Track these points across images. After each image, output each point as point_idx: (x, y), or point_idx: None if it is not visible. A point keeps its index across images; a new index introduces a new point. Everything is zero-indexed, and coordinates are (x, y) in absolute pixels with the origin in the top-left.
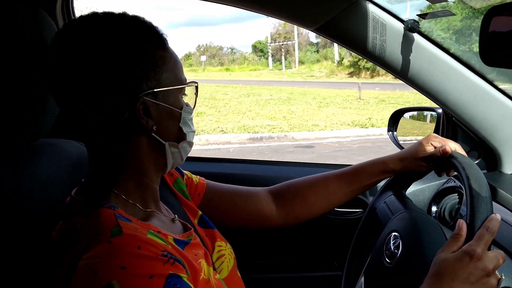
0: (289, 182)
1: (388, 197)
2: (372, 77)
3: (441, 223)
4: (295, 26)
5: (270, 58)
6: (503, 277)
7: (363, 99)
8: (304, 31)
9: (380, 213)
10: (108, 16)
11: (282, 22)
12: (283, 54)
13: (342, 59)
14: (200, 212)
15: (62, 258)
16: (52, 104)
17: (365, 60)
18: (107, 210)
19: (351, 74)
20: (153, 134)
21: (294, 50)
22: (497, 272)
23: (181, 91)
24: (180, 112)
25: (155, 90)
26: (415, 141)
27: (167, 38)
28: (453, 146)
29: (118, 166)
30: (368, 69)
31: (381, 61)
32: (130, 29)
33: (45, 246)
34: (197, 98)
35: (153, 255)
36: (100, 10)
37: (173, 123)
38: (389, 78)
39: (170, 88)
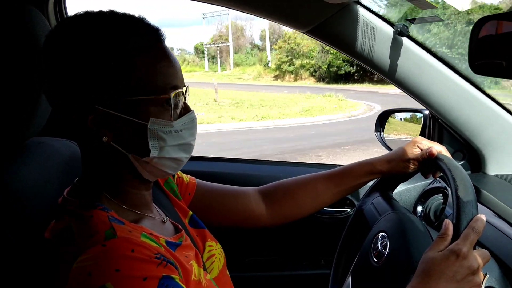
0: (279, 182)
1: (375, 198)
2: (295, 80)
3: (427, 223)
4: (230, 31)
5: (206, 60)
6: (488, 276)
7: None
8: (247, 33)
9: (367, 213)
10: (98, 17)
11: (226, 25)
12: (218, 56)
13: (268, 62)
14: (190, 212)
15: (57, 259)
16: (44, 103)
17: (288, 63)
18: (100, 212)
19: (276, 77)
20: (112, 143)
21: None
22: (482, 271)
23: (157, 101)
24: (144, 124)
25: (108, 99)
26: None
27: (159, 42)
28: (438, 149)
29: (105, 169)
30: (291, 72)
31: (370, 64)
32: (108, 32)
33: (37, 246)
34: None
35: (147, 258)
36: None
37: (137, 135)
38: (310, 82)
39: (133, 98)
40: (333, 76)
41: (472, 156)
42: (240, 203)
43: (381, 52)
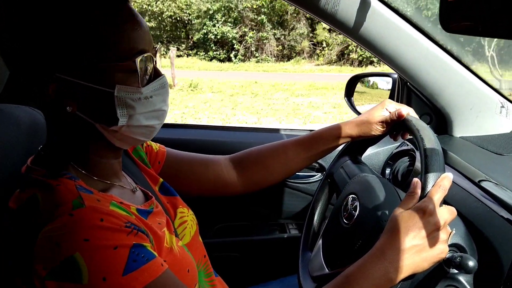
0: (249, 150)
1: (344, 162)
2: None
3: (395, 185)
4: None
5: None
6: (454, 231)
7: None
8: None
9: (337, 177)
10: None
11: None
12: None
13: None
14: (161, 180)
15: (21, 229)
16: (1, 68)
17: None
18: (68, 181)
19: None
20: (77, 113)
21: None
22: (448, 227)
23: (123, 67)
24: (111, 92)
25: (71, 67)
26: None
27: (123, 2)
28: (406, 111)
29: (71, 138)
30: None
31: (338, 25)
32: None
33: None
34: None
35: (117, 227)
36: None
37: (103, 104)
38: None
39: (96, 64)
40: None
41: (438, 118)
42: (211, 171)
43: (352, 15)
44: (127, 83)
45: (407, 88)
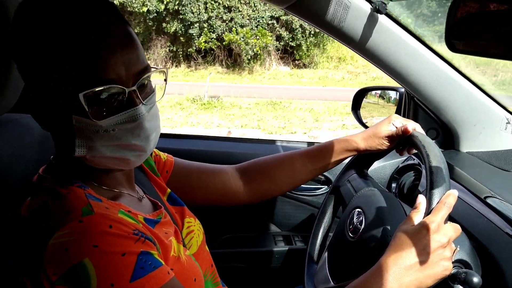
0: (256, 160)
1: (351, 175)
2: None
3: (401, 199)
4: None
5: None
6: (458, 249)
7: None
8: None
9: (344, 191)
10: None
11: None
12: None
13: None
14: (169, 190)
15: (33, 236)
16: (15, 80)
17: None
18: (77, 189)
19: None
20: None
21: None
22: (452, 244)
23: (85, 94)
24: (71, 120)
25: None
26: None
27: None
28: (413, 126)
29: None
30: None
31: (349, 41)
32: (62, 13)
33: (11, 222)
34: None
35: (125, 234)
36: None
37: (68, 130)
38: None
39: (63, 89)
40: None
41: (445, 133)
42: (218, 180)
43: (359, 30)
44: (84, 114)
45: (414, 103)
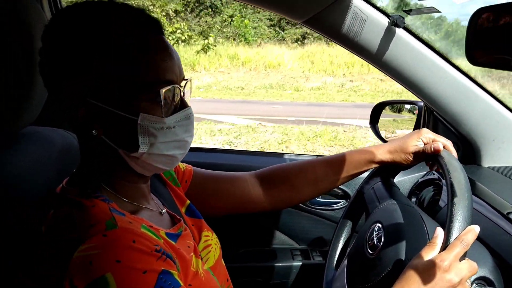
0: (276, 167)
1: (376, 183)
2: None
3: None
4: None
5: None
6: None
7: None
8: None
9: (367, 197)
10: (96, 7)
11: None
12: None
13: None
14: (188, 201)
15: (56, 248)
16: (38, 93)
17: None
18: (101, 203)
19: None
20: (103, 137)
21: None
22: (467, 282)
23: (149, 96)
24: (135, 119)
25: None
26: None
27: (157, 35)
28: (443, 143)
29: (99, 161)
30: None
31: (366, 55)
32: (103, 24)
33: (34, 233)
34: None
35: (148, 250)
36: None
37: (127, 130)
38: None
39: (124, 92)
40: None
41: (466, 148)
42: (237, 187)
43: (376, 44)
44: (151, 112)
45: (433, 116)
